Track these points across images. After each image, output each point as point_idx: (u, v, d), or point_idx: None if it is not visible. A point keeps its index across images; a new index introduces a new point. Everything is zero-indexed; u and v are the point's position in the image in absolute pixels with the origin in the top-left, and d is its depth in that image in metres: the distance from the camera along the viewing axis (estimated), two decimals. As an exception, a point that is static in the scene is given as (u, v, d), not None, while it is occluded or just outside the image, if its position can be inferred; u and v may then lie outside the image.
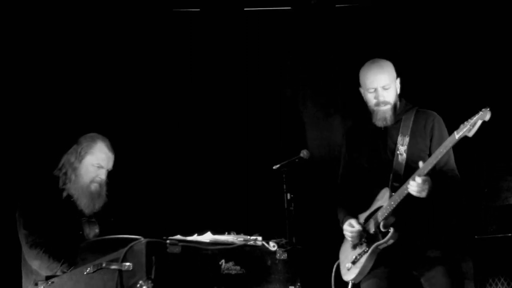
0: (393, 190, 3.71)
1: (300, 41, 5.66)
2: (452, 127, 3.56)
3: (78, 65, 5.28)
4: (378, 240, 3.70)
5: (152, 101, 5.50)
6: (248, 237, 3.30)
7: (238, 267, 3.15)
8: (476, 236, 4.91)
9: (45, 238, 3.86)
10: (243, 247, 3.21)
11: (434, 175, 3.66)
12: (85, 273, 3.09)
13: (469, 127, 3.41)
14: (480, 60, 5.35)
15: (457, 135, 3.46)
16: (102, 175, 4.10)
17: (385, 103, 3.84)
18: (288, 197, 4.12)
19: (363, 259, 3.75)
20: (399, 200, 3.63)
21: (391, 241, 3.67)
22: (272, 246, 3.31)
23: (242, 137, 5.51)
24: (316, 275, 3.83)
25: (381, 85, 3.83)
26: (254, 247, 3.26)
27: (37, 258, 3.86)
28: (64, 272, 3.72)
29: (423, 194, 3.59)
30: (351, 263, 3.82)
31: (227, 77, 5.60)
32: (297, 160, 4.16)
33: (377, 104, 3.85)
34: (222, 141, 5.54)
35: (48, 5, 5.18)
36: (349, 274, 3.82)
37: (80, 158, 4.07)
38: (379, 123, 3.88)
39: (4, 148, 5.00)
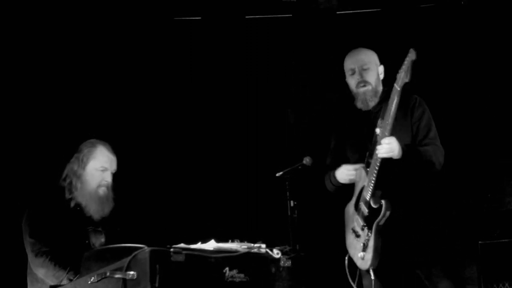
0: (368, 166, 3.73)
1: (301, 45, 5.67)
2: (449, 124, 3.56)
3: (79, 73, 5.29)
4: (376, 218, 3.66)
5: (154, 110, 5.51)
6: (252, 244, 3.30)
7: (242, 275, 3.14)
8: (480, 241, 4.90)
9: (51, 246, 3.86)
10: (247, 254, 3.21)
11: (413, 147, 3.75)
12: (89, 282, 3.09)
13: (404, 74, 3.53)
14: (481, 59, 5.36)
15: (397, 85, 3.56)
16: (108, 177, 4.09)
17: (365, 82, 3.89)
18: (292, 204, 4.13)
19: (371, 243, 3.69)
20: (376, 170, 3.64)
21: (388, 213, 3.63)
22: (276, 253, 3.31)
23: (245, 144, 5.51)
24: (320, 282, 3.83)
25: (359, 65, 3.90)
26: (258, 254, 3.26)
27: (43, 266, 3.85)
28: (70, 280, 3.72)
29: (395, 154, 3.63)
30: (362, 252, 3.76)
31: (229, 85, 5.60)
32: (300, 167, 4.17)
33: (357, 85, 3.90)
34: (225, 149, 5.54)
35: (47, 12, 5.19)
36: (366, 262, 3.76)
37: (83, 165, 4.07)
38: (359, 104, 3.92)
39: (8, 156, 5.01)
